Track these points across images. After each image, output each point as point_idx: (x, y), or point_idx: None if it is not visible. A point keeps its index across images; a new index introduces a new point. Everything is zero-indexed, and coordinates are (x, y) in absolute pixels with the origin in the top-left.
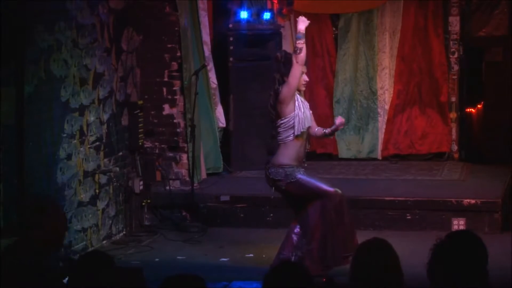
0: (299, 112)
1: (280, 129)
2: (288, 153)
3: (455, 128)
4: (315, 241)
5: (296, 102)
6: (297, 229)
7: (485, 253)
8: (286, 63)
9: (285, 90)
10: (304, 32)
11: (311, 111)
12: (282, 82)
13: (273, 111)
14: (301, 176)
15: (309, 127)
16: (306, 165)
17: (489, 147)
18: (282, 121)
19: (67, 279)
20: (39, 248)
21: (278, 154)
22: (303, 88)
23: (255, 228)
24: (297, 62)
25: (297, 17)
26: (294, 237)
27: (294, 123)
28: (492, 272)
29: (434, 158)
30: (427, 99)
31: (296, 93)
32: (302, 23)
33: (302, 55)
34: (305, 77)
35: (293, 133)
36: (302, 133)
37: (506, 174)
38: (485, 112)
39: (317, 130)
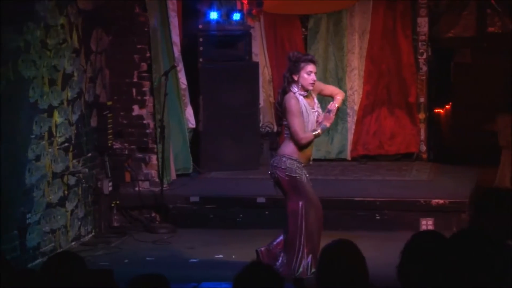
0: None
1: (285, 128)
2: (294, 147)
3: (424, 128)
4: (293, 251)
5: (300, 110)
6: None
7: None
8: (296, 61)
9: (286, 114)
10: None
11: (318, 111)
12: (291, 80)
13: (279, 108)
14: (302, 179)
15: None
16: (311, 163)
17: (457, 147)
18: (285, 122)
19: None
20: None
21: (284, 146)
22: (311, 88)
23: (224, 229)
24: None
25: (265, 16)
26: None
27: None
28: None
29: (402, 159)
30: (396, 100)
31: (301, 97)
32: (328, 122)
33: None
34: (313, 76)
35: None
36: None
37: (474, 174)
38: (453, 113)
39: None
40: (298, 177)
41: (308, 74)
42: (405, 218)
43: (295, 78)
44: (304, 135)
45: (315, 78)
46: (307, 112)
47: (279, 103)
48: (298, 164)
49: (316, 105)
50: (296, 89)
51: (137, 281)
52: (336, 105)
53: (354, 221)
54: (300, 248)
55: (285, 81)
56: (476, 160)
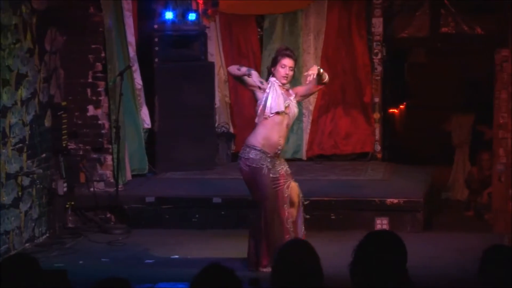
0: (266, 100)
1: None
2: (259, 133)
3: (378, 128)
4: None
5: (267, 91)
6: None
7: (404, 252)
8: (276, 55)
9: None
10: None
11: (291, 103)
12: (271, 72)
13: None
14: (263, 171)
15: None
16: (279, 151)
17: (412, 147)
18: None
19: None
20: None
21: (250, 135)
22: (284, 81)
23: (180, 229)
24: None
25: (221, 16)
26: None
27: (261, 107)
28: (414, 270)
29: (357, 158)
30: (351, 100)
31: (276, 83)
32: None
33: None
34: (287, 70)
35: (261, 115)
36: (276, 117)
37: (428, 174)
38: (407, 113)
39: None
40: (258, 167)
41: (282, 67)
42: (360, 218)
43: (273, 70)
44: (233, 66)
45: (287, 72)
46: (276, 93)
47: None
48: (262, 155)
49: (292, 98)
50: (273, 79)
51: (100, 284)
52: (312, 73)
53: (309, 221)
54: (263, 242)
55: (266, 74)
56: (430, 159)
